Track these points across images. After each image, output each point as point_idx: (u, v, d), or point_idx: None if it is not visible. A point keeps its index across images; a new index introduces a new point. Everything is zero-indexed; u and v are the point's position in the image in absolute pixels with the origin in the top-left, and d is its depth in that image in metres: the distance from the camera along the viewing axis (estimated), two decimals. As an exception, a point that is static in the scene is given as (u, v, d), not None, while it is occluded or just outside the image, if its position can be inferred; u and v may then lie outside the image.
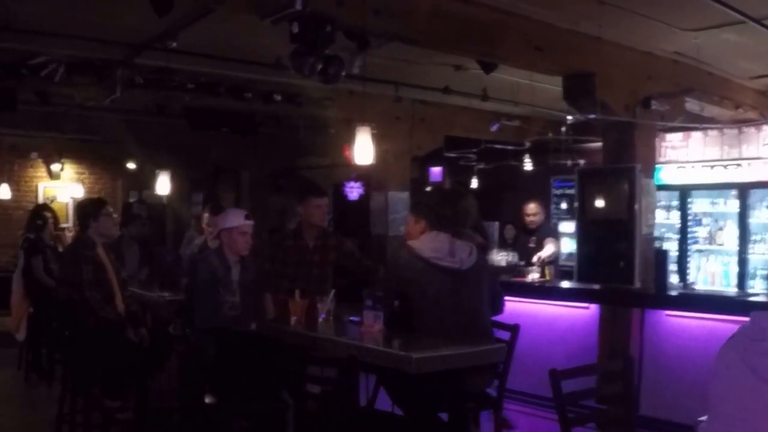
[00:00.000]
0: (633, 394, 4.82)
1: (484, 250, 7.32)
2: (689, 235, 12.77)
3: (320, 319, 6.55)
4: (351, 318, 6.54)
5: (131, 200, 19.43)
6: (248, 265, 7.33)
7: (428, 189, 14.97)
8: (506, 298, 7.02)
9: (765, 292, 10.52)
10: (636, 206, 9.01)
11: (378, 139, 9.35)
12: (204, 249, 9.51)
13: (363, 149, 7.93)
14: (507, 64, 8.85)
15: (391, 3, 7.00)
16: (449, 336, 5.78)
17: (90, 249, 7.82)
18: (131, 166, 18.11)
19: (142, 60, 9.70)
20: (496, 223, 12.85)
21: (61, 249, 11.26)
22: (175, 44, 8.62)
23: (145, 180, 18.03)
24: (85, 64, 9.70)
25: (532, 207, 12.12)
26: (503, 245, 12.83)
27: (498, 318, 6.77)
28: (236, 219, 7.23)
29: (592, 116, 9.00)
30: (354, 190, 14.66)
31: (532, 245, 11.87)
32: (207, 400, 6.38)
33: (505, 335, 6.60)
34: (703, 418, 3.07)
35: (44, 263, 10.58)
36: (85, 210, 8.29)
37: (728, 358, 2.87)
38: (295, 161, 16.69)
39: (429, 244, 6.10)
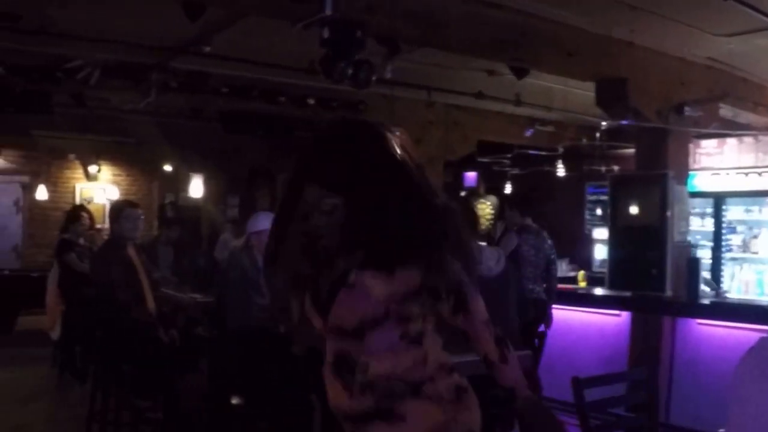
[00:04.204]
0: (657, 402, 4.79)
1: None
2: (723, 243, 12.66)
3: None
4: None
5: (167, 202, 19.55)
6: (279, 268, 7.34)
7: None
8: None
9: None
10: (668, 213, 8.94)
11: (411, 143, 9.35)
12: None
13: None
14: (539, 70, 8.84)
15: (421, 8, 7.01)
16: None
17: (119, 249, 7.84)
18: (167, 168, 18.20)
19: (177, 64, 9.79)
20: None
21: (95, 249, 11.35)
22: (209, 48, 8.70)
23: (181, 183, 18.21)
24: (121, 67, 9.80)
25: None
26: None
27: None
28: (266, 222, 7.24)
29: (625, 122, 8.98)
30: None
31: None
32: (234, 401, 6.41)
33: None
34: (722, 430, 3.03)
35: (78, 259, 10.66)
36: (110, 212, 8.37)
37: (749, 371, 2.82)
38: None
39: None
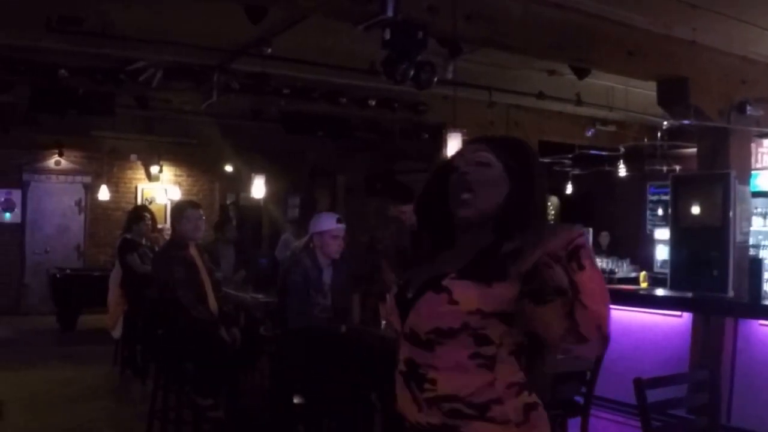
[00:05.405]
0: (719, 404, 4.76)
1: None
2: (787, 243, 12.53)
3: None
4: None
5: (228, 203, 19.72)
6: (340, 269, 7.39)
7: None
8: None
9: None
10: (730, 213, 8.84)
11: (472, 143, 9.39)
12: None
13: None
14: (600, 70, 8.82)
15: (483, 9, 7.01)
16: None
17: (181, 249, 7.94)
18: (228, 169, 18.36)
19: (239, 65, 9.87)
20: (590, 230, 12.70)
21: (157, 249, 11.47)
22: (270, 50, 8.77)
23: (242, 183, 18.35)
24: (183, 69, 9.90)
25: None
26: (597, 252, 12.74)
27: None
28: (328, 223, 7.29)
29: (686, 121, 8.91)
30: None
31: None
32: (296, 400, 6.46)
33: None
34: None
35: (140, 260, 10.76)
36: (172, 212, 8.49)
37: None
38: (391, 165, 16.73)
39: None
